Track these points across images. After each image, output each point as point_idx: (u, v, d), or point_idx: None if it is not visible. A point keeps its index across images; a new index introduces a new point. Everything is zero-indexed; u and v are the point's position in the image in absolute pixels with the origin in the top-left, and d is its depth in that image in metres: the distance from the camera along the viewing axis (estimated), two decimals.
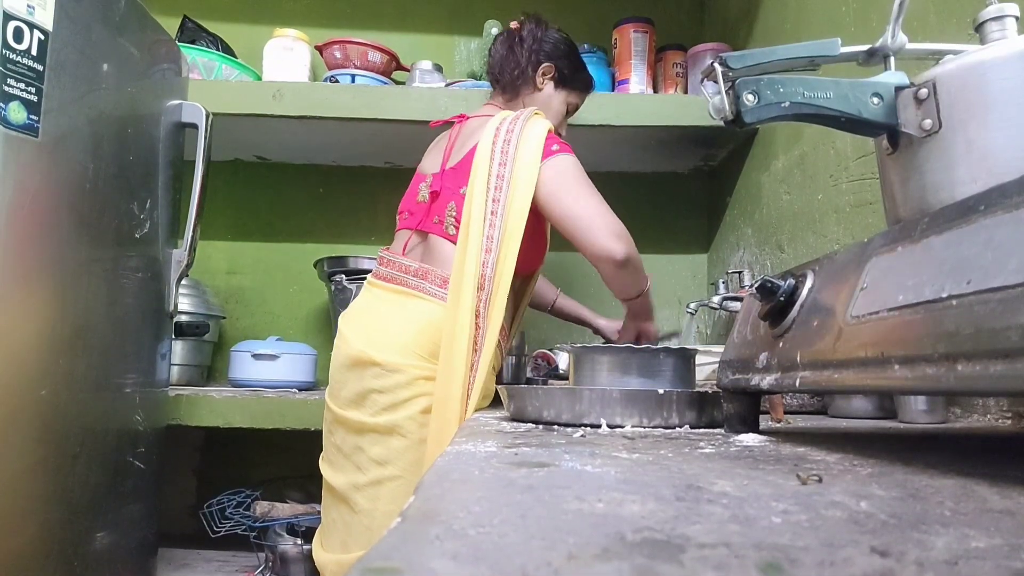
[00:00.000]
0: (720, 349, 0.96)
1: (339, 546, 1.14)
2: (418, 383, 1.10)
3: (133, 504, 1.32)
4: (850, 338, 0.43)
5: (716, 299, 1.51)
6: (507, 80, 1.33)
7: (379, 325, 1.15)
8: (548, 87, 1.34)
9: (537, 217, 1.16)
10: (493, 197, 1.12)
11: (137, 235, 1.31)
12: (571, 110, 1.40)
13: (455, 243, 1.15)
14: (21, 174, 1.03)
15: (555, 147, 1.16)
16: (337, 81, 1.76)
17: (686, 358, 0.81)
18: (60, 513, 1.11)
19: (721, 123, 0.56)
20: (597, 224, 1.11)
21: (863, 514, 0.28)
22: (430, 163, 1.30)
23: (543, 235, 1.27)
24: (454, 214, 1.17)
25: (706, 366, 1.07)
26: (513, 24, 1.38)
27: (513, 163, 1.13)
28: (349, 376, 1.14)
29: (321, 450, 1.24)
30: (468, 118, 1.30)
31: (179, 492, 1.95)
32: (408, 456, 1.09)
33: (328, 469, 1.18)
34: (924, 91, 0.53)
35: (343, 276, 1.73)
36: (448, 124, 1.36)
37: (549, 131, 1.18)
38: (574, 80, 1.37)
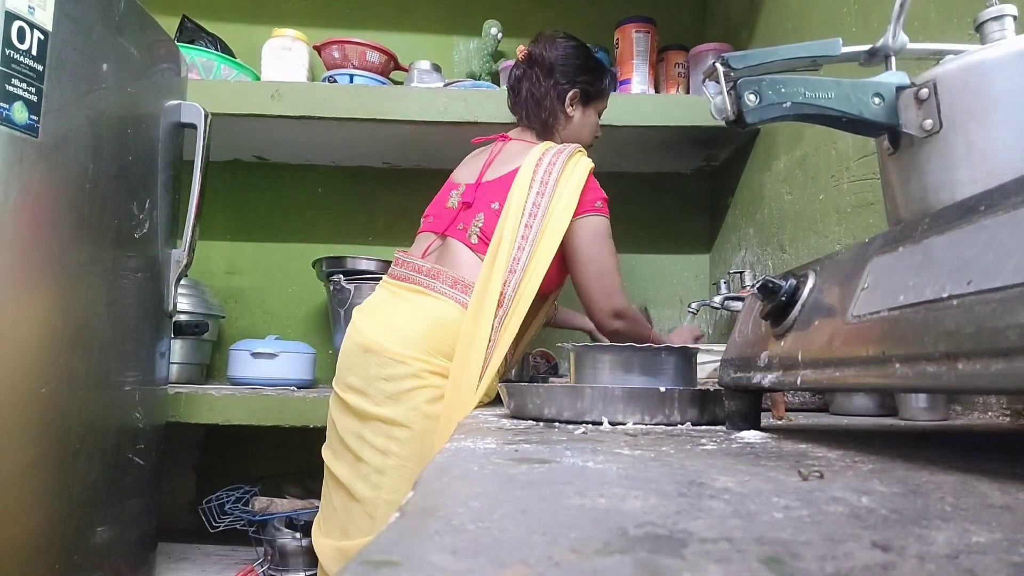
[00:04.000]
0: (721, 348, 0.96)
1: (339, 532, 1.16)
2: (423, 375, 1.13)
3: (133, 499, 1.32)
4: (851, 337, 0.43)
5: (718, 299, 1.51)
6: (538, 120, 1.33)
7: (391, 318, 1.19)
8: (578, 111, 1.35)
9: (560, 247, 1.21)
10: (526, 223, 1.17)
11: (137, 235, 1.32)
12: (602, 112, 1.42)
13: (474, 251, 1.20)
14: (22, 174, 1.04)
15: (598, 203, 1.22)
16: (335, 81, 1.76)
17: (687, 357, 0.81)
18: (61, 508, 1.12)
19: (723, 123, 0.56)
20: (603, 304, 1.22)
21: (864, 509, 0.28)
22: (464, 174, 1.34)
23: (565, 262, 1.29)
24: (480, 225, 1.21)
25: (707, 364, 1.07)
26: (521, 51, 1.37)
27: (551, 195, 1.18)
28: (357, 361, 1.17)
29: (319, 446, 1.25)
30: (510, 139, 1.34)
31: (179, 488, 1.96)
32: (412, 446, 1.11)
33: (331, 456, 1.20)
34: (925, 91, 0.53)
35: (341, 276, 1.74)
36: (490, 141, 1.39)
37: (591, 171, 1.23)
38: (599, 92, 1.38)
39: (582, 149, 1.27)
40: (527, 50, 1.36)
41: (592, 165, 1.24)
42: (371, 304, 1.26)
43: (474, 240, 1.21)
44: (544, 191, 1.18)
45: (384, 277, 1.30)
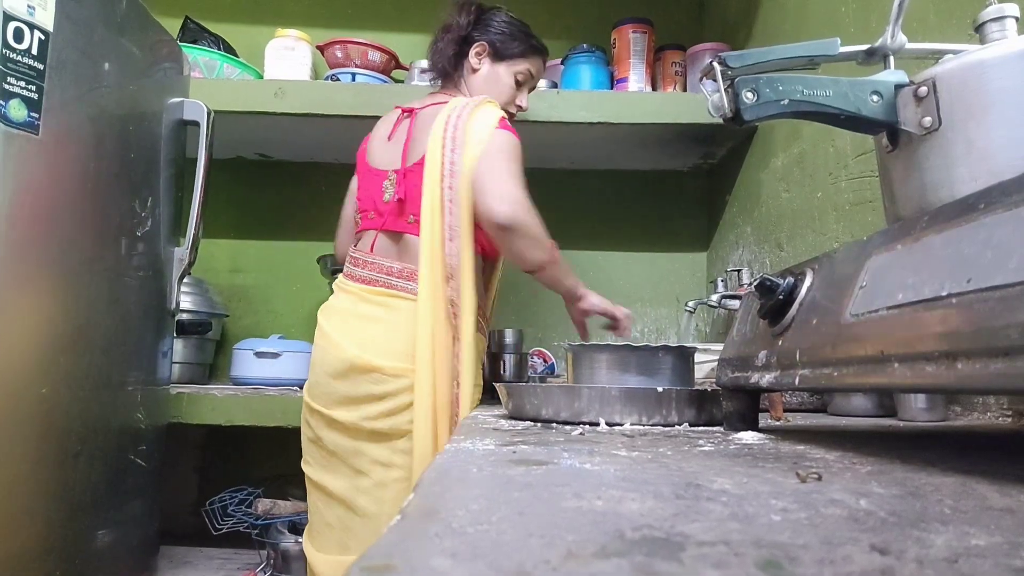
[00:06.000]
0: (719, 347, 0.96)
1: (337, 547, 1.13)
2: None
3: (135, 502, 1.32)
4: (849, 336, 0.43)
5: (715, 297, 1.51)
6: (441, 68, 1.33)
7: (371, 329, 1.14)
8: (485, 65, 1.32)
9: None
10: (448, 184, 1.13)
11: (139, 233, 1.32)
12: (522, 80, 1.36)
13: None
14: (22, 172, 1.04)
15: (501, 126, 1.18)
16: (338, 80, 1.76)
17: (685, 356, 0.81)
18: (62, 511, 1.11)
19: (720, 120, 0.56)
20: (490, 188, 1.12)
21: (863, 512, 0.28)
22: (386, 158, 1.27)
23: None
24: None
25: (705, 364, 1.07)
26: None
27: (463, 149, 1.14)
28: (340, 378, 1.13)
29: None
30: (417, 111, 1.28)
31: (181, 490, 1.95)
32: (411, 456, 1.09)
33: (318, 471, 1.17)
34: (924, 89, 0.53)
35: None
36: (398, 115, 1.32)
37: (501, 119, 1.19)
38: (508, 49, 1.32)
39: (492, 101, 1.24)
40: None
41: (502, 114, 1.21)
42: (339, 310, 1.21)
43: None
44: (456, 147, 1.14)
45: (341, 277, 1.25)
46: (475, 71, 1.32)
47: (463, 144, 1.14)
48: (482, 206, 1.12)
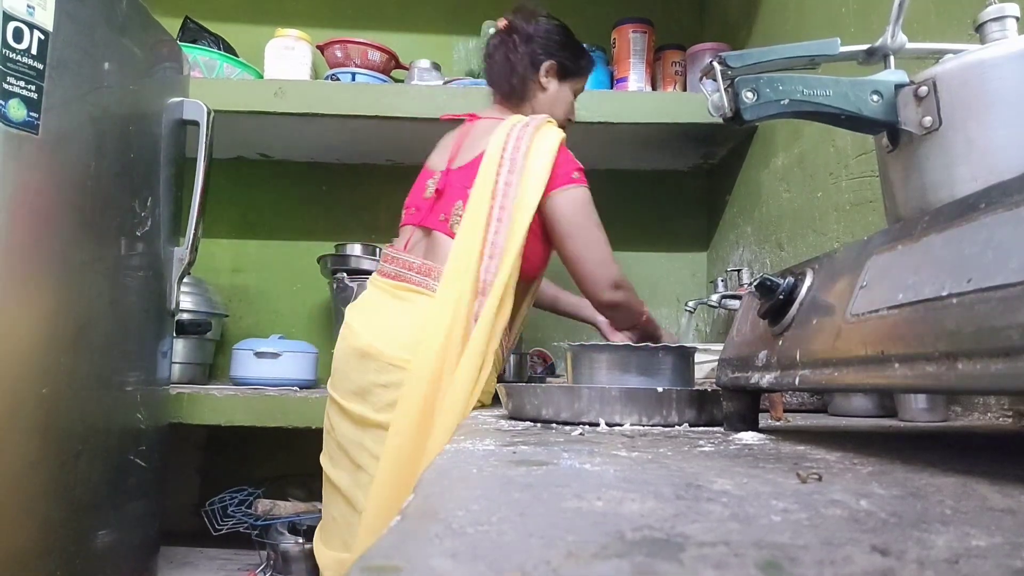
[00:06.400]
0: (719, 347, 0.96)
1: (340, 544, 1.14)
2: None
3: (135, 502, 1.32)
4: (850, 336, 0.43)
5: (715, 297, 1.51)
6: (510, 88, 1.32)
7: (386, 321, 1.16)
8: (553, 84, 1.32)
9: (541, 225, 1.18)
10: (500, 204, 1.13)
11: (139, 233, 1.32)
12: (578, 94, 1.39)
13: None
14: (21, 171, 1.04)
15: (575, 174, 1.19)
16: (338, 79, 1.77)
17: (685, 356, 0.81)
18: (62, 511, 1.11)
19: (720, 120, 0.56)
20: (600, 275, 1.18)
21: (863, 512, 0.28)
22: (437, 160, 1.30)
23: (548, 241, 1.26)
24: (461, 212, 1.17)
25: (705, 364, 1.07)
26: (501, 22, 1.35)
27: (522, 172, 1.14)
28: (354, 367, 1.14)
29: (321, 448, 1.23)
30: (479, 118, 1.29)
31: (181, 490, 1.95)
32: None
33: (329, 464, 1.18)
34: (924, 88, 0.53)
35: (344, 274, 1.74)
36: (459, 120, 1.35)
37: (562, 142, 1.19)
38: (577, 69, 1.35)
39: (551, 119, 1.24)
40: (508, 20, 1.34)
41: (563, 135, 1.21)
42: (365, 304, 1.23)
43: (457, 229, 1.17)
44: (515, 169, 1.14)
45: (374, 274, 1.27)
46: (544, 90, 1.32)
47: (522, 169, 1.14)
48: (594, 295, 1.20)
